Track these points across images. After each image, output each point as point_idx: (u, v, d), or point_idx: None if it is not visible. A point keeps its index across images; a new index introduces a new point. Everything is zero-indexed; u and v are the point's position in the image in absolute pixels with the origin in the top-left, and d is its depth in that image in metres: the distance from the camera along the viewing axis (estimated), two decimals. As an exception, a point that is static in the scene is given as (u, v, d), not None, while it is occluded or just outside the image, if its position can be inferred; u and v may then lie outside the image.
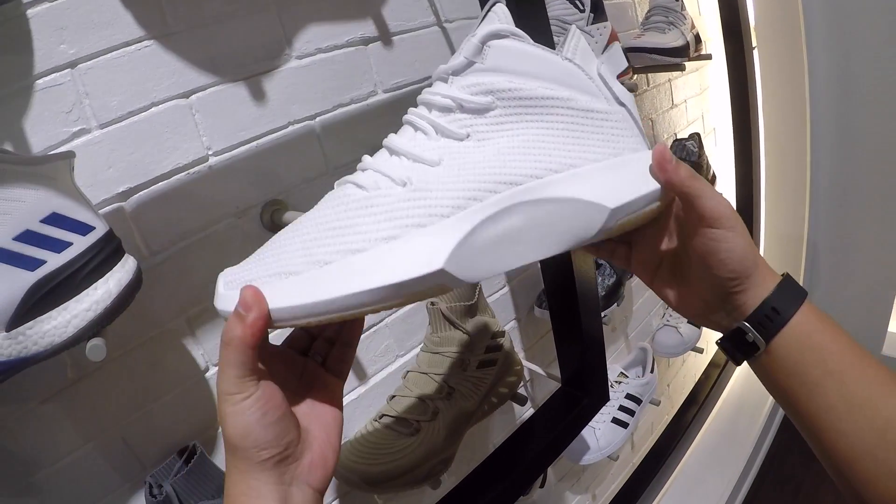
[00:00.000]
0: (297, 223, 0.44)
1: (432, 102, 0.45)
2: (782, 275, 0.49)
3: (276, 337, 0.45)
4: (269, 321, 0.40)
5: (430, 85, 0.46)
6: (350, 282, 0.39)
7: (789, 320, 0.46)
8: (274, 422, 0.40)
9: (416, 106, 0.47)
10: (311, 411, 0.46)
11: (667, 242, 0.52)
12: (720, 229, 0.45)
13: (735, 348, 0.49)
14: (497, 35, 0.43)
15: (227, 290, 0.42)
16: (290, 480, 0.42)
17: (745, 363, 0.51)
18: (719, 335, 0.52)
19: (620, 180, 0.45)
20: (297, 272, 0.40)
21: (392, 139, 0.45)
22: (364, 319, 0.50)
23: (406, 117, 0.46)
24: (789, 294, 0.47)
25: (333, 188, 0.46)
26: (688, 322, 1.82)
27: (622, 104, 0.47)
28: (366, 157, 0.46)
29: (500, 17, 0.44)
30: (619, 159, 0.46)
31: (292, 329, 0.49)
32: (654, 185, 0.46)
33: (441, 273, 0.39)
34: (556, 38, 1.03)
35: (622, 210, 0.44)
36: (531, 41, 0.44)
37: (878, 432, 0.43)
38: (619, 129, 0.46)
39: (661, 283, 0.54)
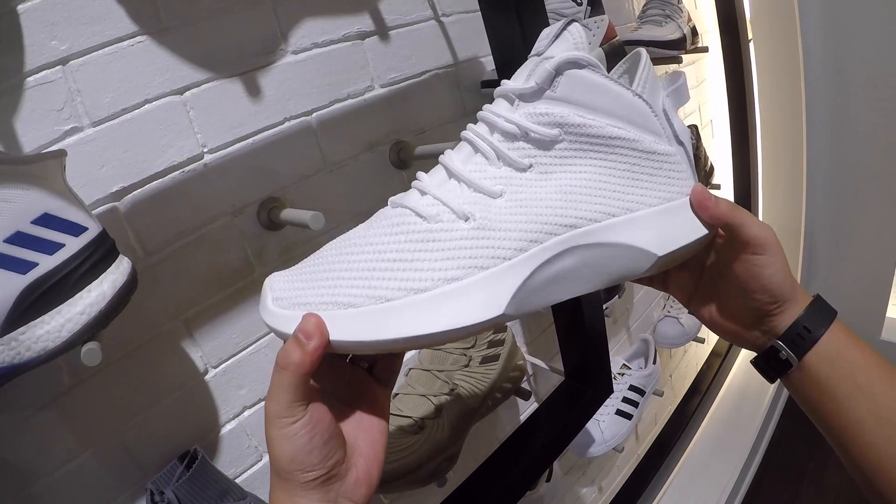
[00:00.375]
0: (351, 244, 0.43)
1: (496, 125, 0.43)
2: (814, 296, 0.51)
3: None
4: (321, 355, 0.40)
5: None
6: (413, 323, 0.39)
7: (820, 338, 0.48)
8: (321, 445, 0.40)
9: (473, 121, 0.46)
10: (358, 425, 0.46)
11: (702, 269, 0.55)
12: (764, 255, 0.47)
13: (769, 366, 0.51)
14: (575, 64, 0.42)
15: (279, 309, 0.41)
16: (334, 498, 0.42)
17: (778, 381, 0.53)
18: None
19: (672, 227, 0.46)
20: (356, 305, 0.39)
21: (451, 158, 0.44)
22: None
23: (465, 134, 0.44)
24: (820, 313, 0.49)
25: (387, 205, 0.45)
26: (688, 313, 1.82)
27: (681, 143, 0.47)
28: (422, 176, 0.44)
29: (577, 42, 0.43)
30: (672, 204, 0.46)
31: None
32: (702, 231, 0.47)
33: (501, 317, 0.40)
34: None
35: (668, 258, 0.46)
36: (605, 72, 0.43)
37: None
38: (676, 172, 0.46)
39: (697, 304, 0.56)
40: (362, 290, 0.40)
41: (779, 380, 0.53)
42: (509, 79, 0.44)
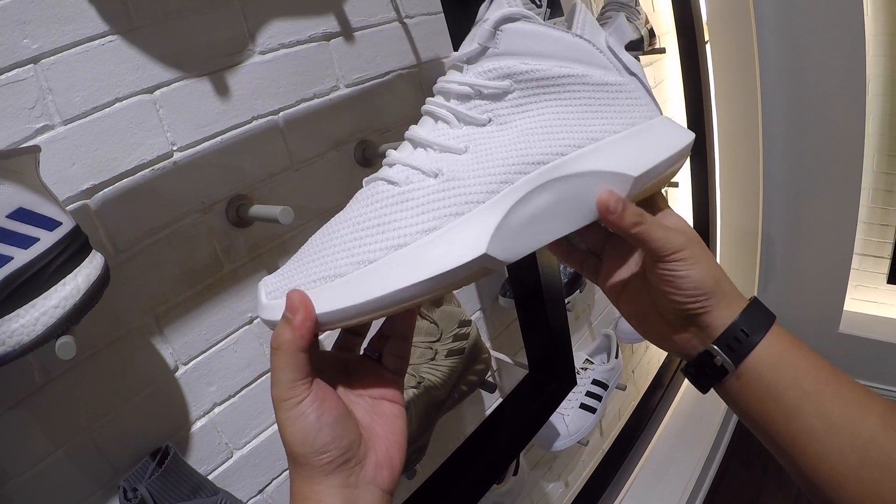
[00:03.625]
0: (332, 226, 0.44)
1: (450, 91, 0.45)
2: (750, 299, 0.48)
3: (327, 341, 0.45)
4: (317, 323, 0.40)
5: (443, 74, 0.46)
6: (397, 277, 0.39)
7: (759, 342, 0.45)
8: (331, 423, 0.40)
9: (430, 96, 0.47)
10: (372, 409, 0.45)
11: (632, 266, 0.52)
12: (674, 262, 0.45)
13: (702, 373, 0.48)
14: (509, 18, 0.43)
15: (271, 300, 0.42)
16: (355, 483, 0.41)
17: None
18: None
19: (641, 148, 0.46)
20: (342, 274, 0.40)
21: (415, 131, 0.45)
22: (416, 311, 0.50)
23: (425, 108, 0.46)
24: (758, 317, 0.46)
25: (363, 186, 0.46)
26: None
27: (633, 74, 0.47)
28: (391, 152, 0.45)
29: (510, 2, 0.44)
30: (636, 128, 0.47)
31: (339, 331, 0.48)
32: (671, 151, 0.47)
33: (484, 257, 0.40)
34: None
35: (645, 177, 0.45)
36: (541, 21, 0.44)
37: (861, 452, 0.41)
38: (634, 99, 0.47)
39: (626, 304, 0.53)
40: (346, 259, 0.40)
41: (713, 390, 0.50)
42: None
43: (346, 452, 0.40)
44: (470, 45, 0.45)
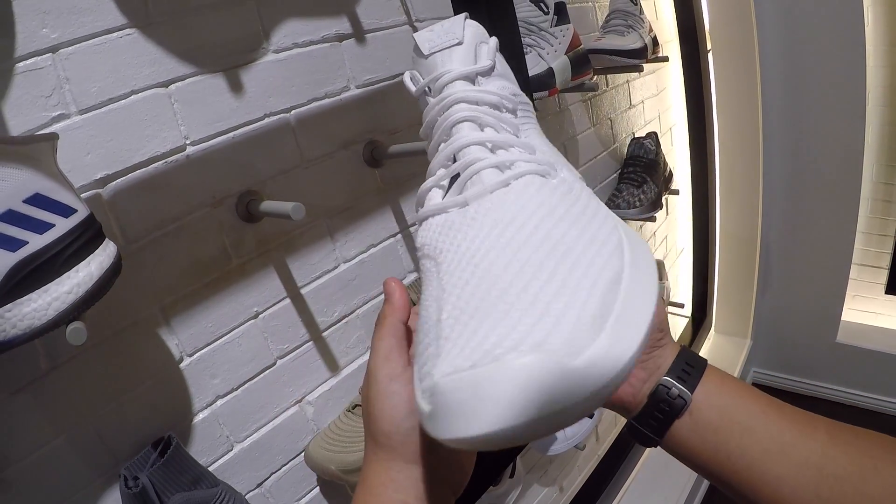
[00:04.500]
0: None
1: (486, 100, 0.42)
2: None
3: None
4: (407, 305, 0.42)
5: (450, 83, 0.43)
6: None
7: (705, 371, 0.45)
8: None
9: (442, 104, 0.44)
10: None
11: None
12: None
13: (659, 411, 0.45)
14: (497, 46, 0.45)
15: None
16: (431, 479, 0.39)
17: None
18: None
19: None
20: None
21: (489, 134, 0.41)
22: None
23: (464, 115, 0.42)
24: (693, 355, 0.47)
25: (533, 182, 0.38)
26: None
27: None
28: (486, 154, 0.40)
29: (478, 31, 0.45)
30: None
31: None
32: None
33: None
34: (521, 39, 1.06)
35: None
36: None
37: (816, 468, 0.40)
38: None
39: None
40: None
41: (660, 444, 0.47)
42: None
43: (431, 444, 0.38)
44: (480, 61, 0.44)
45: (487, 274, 0.30)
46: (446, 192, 0.40)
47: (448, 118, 0.42)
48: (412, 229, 1.05)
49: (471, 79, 0.43)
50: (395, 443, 0.38)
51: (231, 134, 0.82)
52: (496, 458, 1.01)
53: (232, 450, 0.88)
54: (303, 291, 0.94)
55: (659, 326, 0.46)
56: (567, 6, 1.22)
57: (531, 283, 0.29)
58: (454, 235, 0.35)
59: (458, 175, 0.39)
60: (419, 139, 1.00)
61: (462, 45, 0.44)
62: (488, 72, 0.44)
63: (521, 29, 1.11)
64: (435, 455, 0.39)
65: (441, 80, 0.43)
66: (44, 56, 0.65)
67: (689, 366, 0.45)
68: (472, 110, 0.42)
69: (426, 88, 0.44)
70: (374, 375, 0.39)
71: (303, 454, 0.95)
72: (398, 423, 0.38)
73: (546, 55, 1.14)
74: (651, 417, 0.46)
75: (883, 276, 2.41)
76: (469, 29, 0.44)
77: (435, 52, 0.43)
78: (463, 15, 0.46)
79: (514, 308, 0.28)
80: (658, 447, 0.47)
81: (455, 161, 0.40)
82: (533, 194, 0.36)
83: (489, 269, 0.31)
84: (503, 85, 0.44)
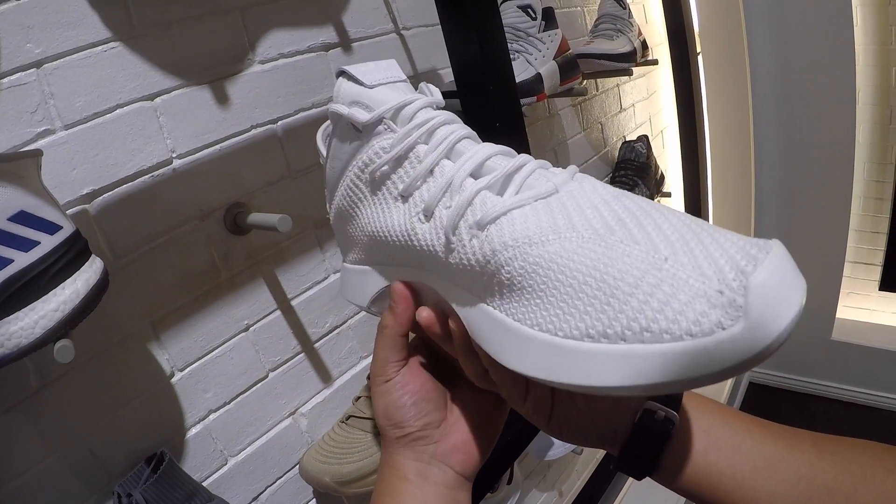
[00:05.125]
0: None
1: None
2: None
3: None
4: (413, 314, 0.44)
5: (438, 86, 0.45)
6: None
7: (682, 394, 0.43)
8: (410, 404, 0.45)
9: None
10: (474, 396, 0.48)
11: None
12: None
13: (648, 437, 0.42)
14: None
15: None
16: (428, 459, 0.45)
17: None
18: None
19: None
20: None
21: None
22: None
23: (468, 134, 0.42)
24: None
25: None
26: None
27: None
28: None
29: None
30: None
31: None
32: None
33: None
34: (508, 45, 1.06)
35: None
36: None
37: (806, 481, 0.39)
38: None
39: (556, 423, 0.45)
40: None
41: (650, 475, 0.44)
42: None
43: (420, 431, 0.45)
44: (432, 94, 0.44)
45: (660, 225, 0.31)
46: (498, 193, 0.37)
47: (444, 139, 0.40)
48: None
49: (433, 107, 0.42)
50: (389, 431, 0.45)
51: (218, 146, 0.81)
52: (493, 465, 1.00)
53: (226, 464, 0.87)
54: (293, 303, 0.93)
55: None
56: (555, 11, 1.22)
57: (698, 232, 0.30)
58: (569, 215, 0.33)
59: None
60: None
61: (406, 83, 0.43)
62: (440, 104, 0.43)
63: (508, 35, 1.11)
64: (428, 439, 0.45)
65: (409, 108, 0.41)
66: (28, 71, 0.65)
67: None
68: (464, 128, 0.41)
69: (379, 118, 0.41)
70: (374, 379, 0.46)
71: (297, 467, 0.94)
72: (390, 416, 0.45)
73: (534, 61, 1.14)
74: (640, 446, 0.43)
75: (876, 273, 2.42)
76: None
77: (380, 85, 0.42)
78: (393, 60, 0.45)
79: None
80: (648, 478, 0.46)
81: (483, 171, 0.38)
82: (597, 181, 0.37)
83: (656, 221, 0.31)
84: None
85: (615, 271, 0.29)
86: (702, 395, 0.45)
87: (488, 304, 0.35)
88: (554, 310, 0.31)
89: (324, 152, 0.47)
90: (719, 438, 0.42)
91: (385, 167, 0.40)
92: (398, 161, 0.40)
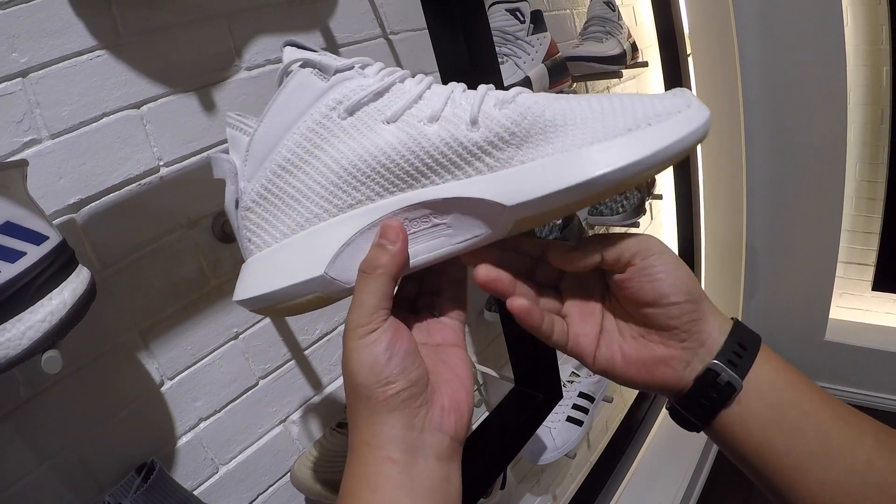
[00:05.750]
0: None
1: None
2: (732, 319, 0.44)
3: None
4: (407, 258, 0.41)
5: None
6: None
7: (756, 357, 0.42)
8: (402, 354, 0.39)
9: None
10: (435, 355, 0.44)
11: (598, 304, 0.47)
12: (643, 267, 0.42)
13: (705, 398, 0.42)
14: None
15: None
16: (420, 426, 0.39)
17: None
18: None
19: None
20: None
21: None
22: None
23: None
24: (748, 332, 0.43)
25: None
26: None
27: None
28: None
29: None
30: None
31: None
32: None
33: None
34: (497, 49, 1.06)
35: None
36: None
37: (860, 476, 0.38)
38: None
39: (603, 357, 0.46)
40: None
41: (703, 430, 0.44)
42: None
43: (413, 387, 0.39)
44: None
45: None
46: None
47: (423, 78, 0.44)
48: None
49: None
50: (377, 391, 0.38)
51: (205, 154, 0.81)
52: (486, 470, 1.00)
53: (217, 472, 0.87)
54: (283, 310, 0.93)
55: (688, 297, 0.41)
56: (544, 14, 1.22)
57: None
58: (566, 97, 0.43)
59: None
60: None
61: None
62: None
63: (496, 38, 1.12)
64: (421, 399, 0.40)
65: (376, 64, 0.45)
66: (14, 81, 0.64)
67: (742, 347, 0.42)
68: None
69: (352, 65, 0.44)
70: (356, 330, 0.39)
71: (289, 475, 0.94)
72: (380, 370, 0.38)
73: (523, 64, 1.14)
74: (696, 402, 0.43)
75: (869, 273, 2.42)
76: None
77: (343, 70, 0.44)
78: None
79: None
80: (700, 432, 0.45)
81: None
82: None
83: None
84: None
85: (617, 102, 0.41)
86: (777, 358, 0.43)
87: (530, 160, 0.40)
88: (592, 127, 0.40)
89: (249, 124, 0.45)
90: (783, 416, 0.40)
91: (365, 99, 0.42)
92: (378, 94, 0.42)
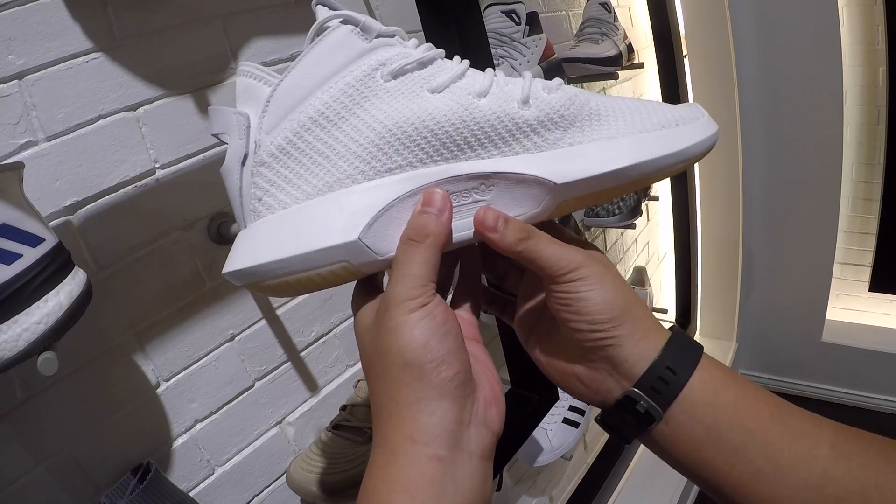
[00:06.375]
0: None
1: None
2: (671, 329, 0.42)
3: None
4: (452, 234, 0.39)
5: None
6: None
7: (688, 380, 0.38)
8: (452, 333, 0.36)
9: None
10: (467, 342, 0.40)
11: (540, 297, 0.46)
12: (569, 283, 0.39)
13: (624, 423, 0.40)
14: None
15: None
16: (468, 419, 0.36)
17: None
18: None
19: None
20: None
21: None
22: (479, 249, 0.48)
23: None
24: (683, 350, 0.40)
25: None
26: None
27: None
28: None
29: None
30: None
31: None
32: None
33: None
34: (493, 51, 1.06)
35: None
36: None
37: (815, 490, 0.36)
38: None
39: (533, 343, 0.46)
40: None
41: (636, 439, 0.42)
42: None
43: (464, 372, 0.36)
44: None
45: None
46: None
47: (460, 62, 0.44)
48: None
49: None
50: (431, 372, 0.34)
51: (201, 156, 0.81)
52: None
53: (213, 474, 0.87)
54: (278, 312, 0.93)
55: (605, 315, 0.39)
56: (540, 15, 1.22)
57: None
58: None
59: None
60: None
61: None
62: None
63: (491, 40, 1.12)
64: (469, 387, 0.36)
65: (435, 51, 0.44)
66: (10, 83, 0.64)
67: (671, 371, 0.38)
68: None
69: (394, 32, 0.43)
70: (405, 303, 0.36)
71: (284, 476, 0.94)
72: (435, 347, 0.35)
73: (518, 66, 1.14)
74: (616, 423, 0.41)
75: (866, 274, 2.43)
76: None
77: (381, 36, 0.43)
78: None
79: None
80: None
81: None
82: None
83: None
84: None
85: (645, 103, 0.44)
86: (723, 374, 0.40)
87: (578, 143, 0.41)
88: (632, 120, 0.41)
89: (271, 74, 0.42)
90: (722, 437, 0.38)
91: (409, 66, 0.41)
92: (422, 65, 0.41)
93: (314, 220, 0.39)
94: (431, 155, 0.39)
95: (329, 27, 0.41)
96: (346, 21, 0.41)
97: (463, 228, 0.40)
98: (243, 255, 0.41)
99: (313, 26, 0.42)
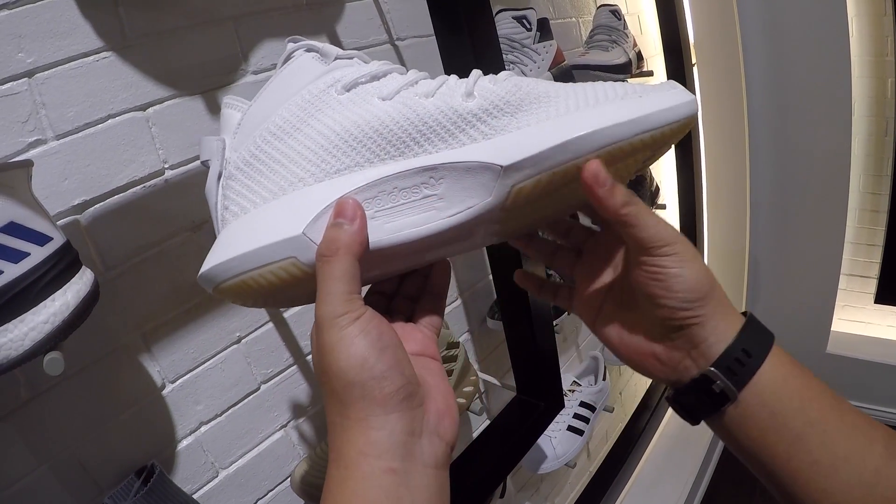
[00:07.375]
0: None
1: None
2: (745, 314, 0.43)
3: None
4: (367, 238, 0.38)
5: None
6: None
7: (762, 365, 0.40)
8: (392, 346, 0.36)
9: None
10: (416, 363, 0.39)
11: (611, 273, 0.47)
12: (664, 257, 0.39)
13: (698, 401, 0.42)
14: None
15: None
16: (419, 430, 0.36)
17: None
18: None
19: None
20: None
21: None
22: (449, 266, 0.49)
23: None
24: (758, 335, 0.41)
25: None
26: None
27: None
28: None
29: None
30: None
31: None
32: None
33: None
34: (503, 56, 1.06)
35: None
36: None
37: (867, 487, 0.37)
38: None
39: (604, 322, 0.47)
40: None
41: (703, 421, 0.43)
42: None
43: (409, 384, 0.36)
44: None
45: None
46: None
47: (417, 73, 0.45)
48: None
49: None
50: (373, 388, 0.34)
51: (209, 155, 0.81)
52: (486, 478, 1.00)
53: (217, 476, 0.87)
54: (285, 315, 0.93)
55: (695, 294, 0.40)
56: (550, 22, 1.22)
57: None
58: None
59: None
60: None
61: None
62: None
63: (503, 46, 1.11)
64: (417, 399, 0.36)
65: (392, 66, 0.46)
66: (20, 81, 0.65)
67: (747, 353, 0.40)
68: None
69: (353, 55, 0.45)
70: (334, 321, 0.35)
71: (289, 480, 0.94)
72: (372, 365, 0.34)
73: (529, 72, 1.14)
74: (689, 402, 0.43)
75: (872, 286, 2.42)
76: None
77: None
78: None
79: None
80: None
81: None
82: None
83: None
84: None
85: (615, 83, 0.43)
86: (790, 364, 0.41)
87: (525, 125, 0.40)
88: (585, 94, 0.41)
89: (244, 103, 0.45)
90: (786, 424, 0.39)
91: (363, 79, 0.42)
92: (375, 77, 0.43)
93: (266, 219, 0.41)
94: (378, 154, 0.41)
95: (293, 56, 0.45)
96: (308, 49, 0.44)
97: (415, 224, 0.41)
98: (207, 260, 0.43)
99: (281, 57, 0.45)
